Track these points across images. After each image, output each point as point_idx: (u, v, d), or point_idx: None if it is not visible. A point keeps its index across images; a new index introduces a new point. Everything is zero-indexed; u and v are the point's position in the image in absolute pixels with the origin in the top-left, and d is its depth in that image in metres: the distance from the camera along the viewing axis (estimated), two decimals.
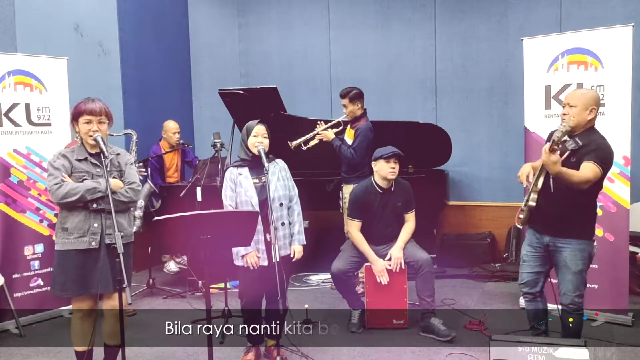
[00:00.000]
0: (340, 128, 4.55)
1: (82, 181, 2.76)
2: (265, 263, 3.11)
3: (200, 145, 6.47)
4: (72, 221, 2.76)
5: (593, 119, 2.85)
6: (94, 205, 2.74)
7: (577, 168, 2.72)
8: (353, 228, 3.82)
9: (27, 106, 4.03)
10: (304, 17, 6.28)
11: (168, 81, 6.28)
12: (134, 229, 4.25)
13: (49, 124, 4.14)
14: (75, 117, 2.82)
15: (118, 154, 2.92)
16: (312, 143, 4.52)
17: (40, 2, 4.93)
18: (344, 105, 4.42)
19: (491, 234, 5.34)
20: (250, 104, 4.83)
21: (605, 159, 2.77)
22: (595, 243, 3.00)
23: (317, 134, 4.50)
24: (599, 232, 3.74)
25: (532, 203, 2.86)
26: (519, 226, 3.05)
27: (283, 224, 3.17)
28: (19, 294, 3.99)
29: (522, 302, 3.97)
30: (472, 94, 5.67)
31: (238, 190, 3.13)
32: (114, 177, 2.82)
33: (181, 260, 5.45)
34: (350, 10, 6.08)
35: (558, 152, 2.60)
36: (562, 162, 2.70)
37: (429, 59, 5.79)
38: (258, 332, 3.15)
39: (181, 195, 4.43)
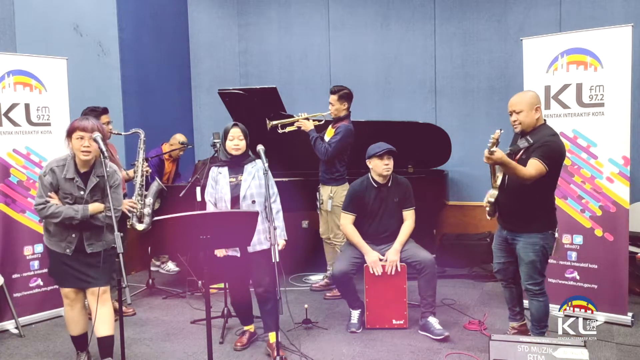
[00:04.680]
0: (321, 123, 4.56)
1: (65, 202, 2.95)
2: (237, 254, 3.29)
3: (200, 145, 6.48)
4: (53, 227, 2.99)
5: (540, 116, 3.07)
6: (74, 222, 2.94)
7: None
8: (346, 221, 3.83)
9: (27, 106, 4.03)
10: (304, 17, 6.28)
11: (168, 81, 6.28)
12: (143, 226, 4.30)
13: (49, 124, 4.14)
14: (69, 133, 2.98)
15: (103, 176, 2.95)
16: (289, 128, 4.52)
17: (39, 2, 4.93)
18: (331, 103, 4.41)
19: (491, 234, 5.33)
20: (250, 104, 4.84)
21: (547, 153, 2.92)
22: (556, 235, 3.13)
23: (297, 120, 4.51)
24: (598, 232, 3.75)
25: (491, 199, 3.14)
26: (488, 218, 3.28)
27: None
28: (18, 294, 3.99)
29: None
30: (471, 94, 5.67)
31: (217, 187, 3.36)
32: (95, 200, 2.99)
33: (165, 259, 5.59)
34: (350, 10, 6.08)
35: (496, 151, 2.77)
36: (516, 160, 2.96)
37: (428, 59, 5.79)
38: (246, 314, 3.54)
39: (181, 195, 4.43)
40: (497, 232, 3.33)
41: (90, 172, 2.98)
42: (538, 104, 3.05)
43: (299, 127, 4.49)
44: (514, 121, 3.06)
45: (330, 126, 4.52)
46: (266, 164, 3.17)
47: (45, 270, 4.06)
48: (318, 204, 4.58)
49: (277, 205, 3.38)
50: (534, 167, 2.89)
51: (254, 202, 3.28)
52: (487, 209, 3.21)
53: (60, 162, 2.98)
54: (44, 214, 2.92)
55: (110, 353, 3.05)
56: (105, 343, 3.03)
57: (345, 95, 4.39)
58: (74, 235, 2.96)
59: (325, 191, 4.47)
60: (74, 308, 3.10)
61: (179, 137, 5.35)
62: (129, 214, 4.18)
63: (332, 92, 4.41)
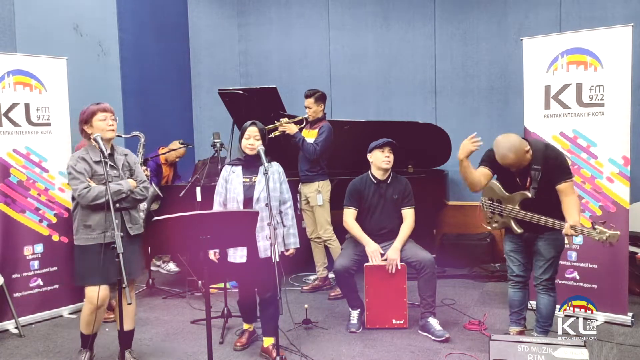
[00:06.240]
0: (303, 125, 4.65)
1: (103, 183, 2.91)
2: (244, 260, 3.22)
3: (200, 145, 6.48)
4: (94, 219, 2.98)
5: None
6: (117, 205, 2.95)
7: (547, 191, 3.00)
8: (348, 216, 3.86)
9: (27, 106, 4.03)
10: (304, 17, 6.28)
11: (168, 81, 6.28)
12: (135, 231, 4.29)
13: (49, 124, 4.14)
14: (88, 119, 3.01)
15: (126, 154, 3.10)
16: (274, 134, 4.57)
17: (39, 2, 4.92)
18: (308, 107, 4.56)
19: (491, 234, 5.34)
20: (250, 103, 4.84)
21: (566, 169, 3.03)
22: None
23: (281, 125, 4.56)
24: None
25: (519, 230, 3.15)
26: (488, 227, 3.36)
27: (269, 224, 3.19)
28: (18, 294, 3.98)
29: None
30: (471, 94, 5.67)
31: (228, 187, 3.28)
32: (127, 177, 3.07)
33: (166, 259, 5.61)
34: (350, 11, 6.08)
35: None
36: (535, 190, 3.02)
37: (428, 59, 5.79)
38: (250, 314, 3.53)
39: (181, 195, 4.43)
40: (510, 237, 3.26)
41: (113, 154, 3.06)
42: (525, 147, 2.98)
43: (284, 132, 4.55)
44: (515, 171, 3.06)
45: (306, 129, 4.63)
46: (266, 164, 3.10)
47: (46, 270, 4.10)
48: (299, 205, 4.65)
49: (292, 211, 3.36)
50: (571, 187, 2.98)
51: (267, 205, 3.18)
52: (496, 225, 3.27)
53: (82, 152, 3.03)
54: (91, 196, 2.89)
55: (130, 345, 3.27)
56: (130, 335, 3.22)
57: (321, 97, 4.58)
58: (117, 221, 2.91)
59: (310, 187, 4.55)
60: (100, 310, 3.06)
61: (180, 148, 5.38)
62: None
63: (308, 96, 4.56)
